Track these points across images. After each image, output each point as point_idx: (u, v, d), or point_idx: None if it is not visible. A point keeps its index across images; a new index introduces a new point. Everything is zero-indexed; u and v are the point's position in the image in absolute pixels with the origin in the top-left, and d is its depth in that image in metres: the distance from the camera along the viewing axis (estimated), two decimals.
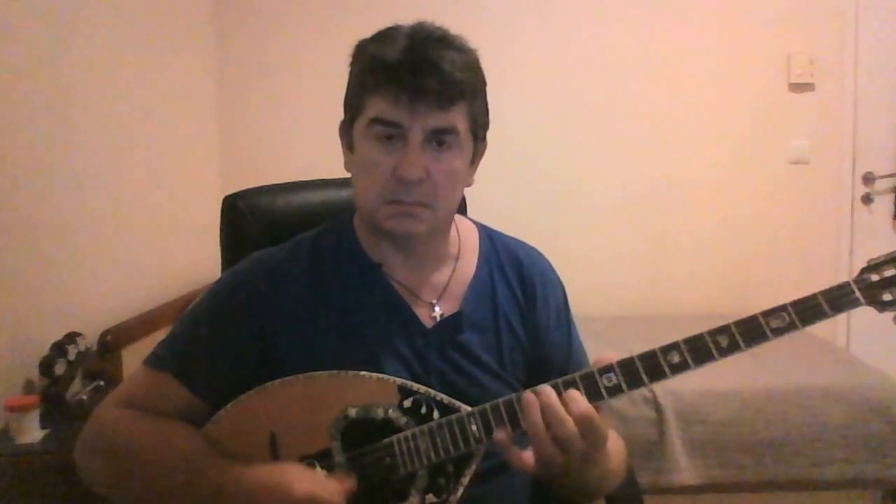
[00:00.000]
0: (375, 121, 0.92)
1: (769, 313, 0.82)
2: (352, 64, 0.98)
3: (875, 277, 0.81)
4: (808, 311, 0.81)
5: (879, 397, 2.13)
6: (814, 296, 0.81)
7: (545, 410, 0.82)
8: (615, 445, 0.97)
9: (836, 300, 0.81)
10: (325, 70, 2.53)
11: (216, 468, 0.89)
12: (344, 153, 1.03)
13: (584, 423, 0.81)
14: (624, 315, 2.99)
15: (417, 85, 0.89)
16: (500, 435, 0.85)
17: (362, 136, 0.95)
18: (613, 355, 0.86)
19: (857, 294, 0.81)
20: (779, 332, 0.81)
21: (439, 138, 0.93)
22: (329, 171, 1.31)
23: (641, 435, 2.08)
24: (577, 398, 0.82)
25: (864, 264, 0.83)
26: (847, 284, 0.81)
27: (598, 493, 0.99)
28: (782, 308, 0.82)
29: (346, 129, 1.00)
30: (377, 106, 0.92)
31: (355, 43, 0.98)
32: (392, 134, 0.92)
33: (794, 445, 2.10)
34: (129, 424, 0.95)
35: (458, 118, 0.93)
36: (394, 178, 0.92)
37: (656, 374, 0.83)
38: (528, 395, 0.84)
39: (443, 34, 0.94)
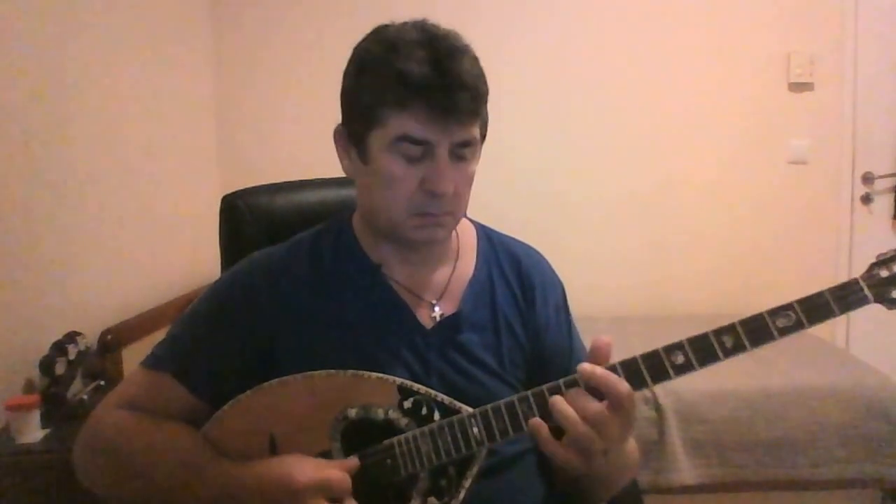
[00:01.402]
0: (404, 139, 0.90)
1: (775, 312, 0.80)
2: (358, 72, 0.95)
3: (884, 273, 0.79)
4: (816, 309, 0.79)
5: (879, 397, 2.13)
6: (820, 293, 0.79)
7: (571, 398, 0.82)
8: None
9: (843, 298, 0.79)
10: (324, 69, 2.52)
11: (216, 469, 0.89)
12: (343, 158, 1.01)
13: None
14: (624, 315, 2.99)
15: (450, 104, 0.88)
16: (537, 421, 0.83)
17: (384, 150, 0.92)
18: (608, 337, 0.85)
19: (866, 291, 0.78)
20: (785, 331, 0.79)
21: (461, 151, 0.93)
22: (328, 170, 1.30)
23: (641, 435, 2.07)
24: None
25: (867, 263, 0.81)
26: (855, 282, 0.79)
27: (619, 482, 1.01)
28: (788, 307, 0.79)
29: (356, 138, 0.96)
30: (406, 124, 0.90)
31: (354, 45, 0.97)
32: (421, 152, 0.91)
33: (794, 445, 2.10)
34: (129, 425, 0.95)
35: (476, 128, 0.94)
36: (421, 191, 0.92)
37: (660, 374, 0.82)
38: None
39: (454, 42, 0.92)
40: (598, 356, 0.84)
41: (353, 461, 0.88)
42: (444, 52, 0.90)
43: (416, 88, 0.88)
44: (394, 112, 0.90)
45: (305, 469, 0.85)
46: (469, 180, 0.97)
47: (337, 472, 0.86)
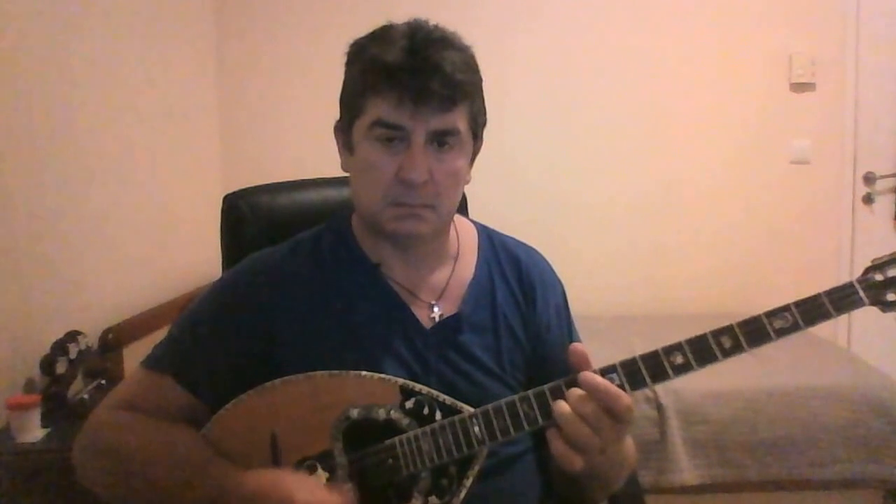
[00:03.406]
0: (377, 123, 0.92)
1: (772, 314, 0.81)
2: (349, 64, 0.97)
3: (879, 277, 0.80)
4: (812, 311, 0.80)
5: (880, 397, 2.13)
6: (817, 296, 0.80)
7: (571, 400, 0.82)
8: None
9: (839, 300, 0.80)
10: (326, 68, 2.52)
11: (217, 470, 0.89)
12: (341, 153, 1.02)
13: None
14: (625, 315, 2.99)
15: (420, 87, 0.89)
16: (561, 403, 0.83)
17: (363, 138, 0.94)
18: (579, 345, 0.87)
19: (861, 294, 0.80)
20: (782, 332, 0.81)
21: (441, 139, 0.93)
22: (330, 169, 1.30)
23: (643, 434, 2.08)
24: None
25: (868, 264, 0.82)
26: (851, 284, 0.80)
27: (617, 480, 1.00)
28: (785, 308, 0.81)
29: (345, 130, 0.99)
30: (379, 108, 0.91)
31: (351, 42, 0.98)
32: (394, 136, 0.92)
33: (795, 445, 2.10)
34: (130, 426, 0.95)
35: (459, 119, 0.94)
36: (397, 180, 0.92)
37: (659, 374, 0.83)
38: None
39: (441, 34, 0.94)
40: (581, 365, 0.85)
41: (352, 495, 0.88)
42: (423, 40, 0.91)
43: (388, 72, 0.89)
44: (370, 98, 0.92)
45: (304, 491, 0.84)
46: (453, 174, 0.95)
47: (335, 499, 0.85)
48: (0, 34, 1.71)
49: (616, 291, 3.12)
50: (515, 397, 0.86)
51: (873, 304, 0.80)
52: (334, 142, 1.03)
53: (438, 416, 0.89)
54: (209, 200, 2.41)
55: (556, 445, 0.83)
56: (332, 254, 1.03)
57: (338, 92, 0.99)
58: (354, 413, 0.90)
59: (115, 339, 1.94)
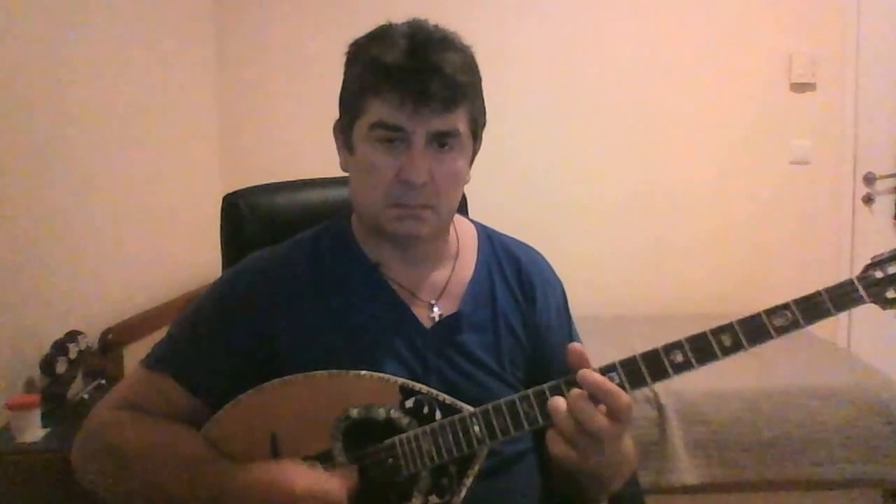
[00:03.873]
0: (378, 124, 0.92)
1: (772, 311, 0.81)
2: (348, 64, 0.98)
3: (879, 274, 0.80)
4: (812, 308, 0.80)
5: (880, 397, 2.13)
6: (817, 293, 0.80)
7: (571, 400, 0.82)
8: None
9: (839, 298, 0.80)
10: (326, 68, 2.52)
11: (217, 468, 0.89)
12: (340, 153, 1.03)
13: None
14: (625, 314, 2.99)
15: (421, 88, 0.89)
16: (559, 401, 0.83)
17: (363, 139, 0.95)
18: (577, 345, 0.86)
19: (861, 291, 0.80)
20: (782, 330, 0.80)
21: (441, 140, 0.93)
22: (330, 169, 1.30)
23: (643, 434, 2.07)
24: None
25: (868, 261, 0.82)
26: (850, 282, 0.80)
27: (617, 479, 0.99)
28: (785, 306, 0.81)
29: (345, 130, 0.99)
30: (380, 109, 0.91)
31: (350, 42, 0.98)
32: (394, 137, 0.92)
33: (794, 445, 2.10)
34: (130, 425, 0.95)
35: (459, 120, 0.94)
36: (397, 180, 0.92)
37: (659, 373, 0.83)
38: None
39: (442, 34, 0.94)
40: (580, 365, 0.85)
41: (353, 476, 0.88)
42: (423, 41, 0.91)
43: (388, 73, 0.90)
44: (370, 99, 0.92)
45: (305, 478, 0.85)
46: (453, 175, 0.96)
47: (335, 483, 0.86)
48: (0, 34, 1.71)
49: (616, 291, 3.12)
50: (515, 397, 0.86)
51: (873, 301, 0.80)
52: (334, 142, 1.03)
53: (438, 415, 0.89)
54: (209, 200, 2.41)
55: (553, 441, 0.83)
56: (331, 254, 1.04)
57: (337, 92, 0.99)
58: (354, 413, 0.90)
59: (115, 339, 1.94)
